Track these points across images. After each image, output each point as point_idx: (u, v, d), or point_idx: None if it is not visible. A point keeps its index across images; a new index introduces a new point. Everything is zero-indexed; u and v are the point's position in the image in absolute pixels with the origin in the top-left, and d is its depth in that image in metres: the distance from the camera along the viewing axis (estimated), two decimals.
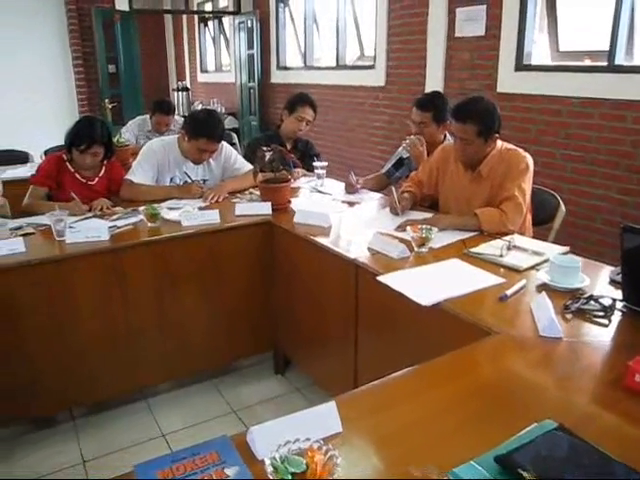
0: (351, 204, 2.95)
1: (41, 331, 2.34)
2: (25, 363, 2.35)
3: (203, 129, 2.96)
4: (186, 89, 9.19)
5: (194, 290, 2.63)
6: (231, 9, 8.49)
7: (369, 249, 2.24)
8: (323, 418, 1.17)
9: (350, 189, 3.14)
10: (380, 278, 1.95)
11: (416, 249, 2.20)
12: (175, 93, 9.15)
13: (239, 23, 8.10)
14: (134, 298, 2.50)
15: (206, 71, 10.06)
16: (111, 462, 2.44)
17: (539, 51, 4.21)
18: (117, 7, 7.01)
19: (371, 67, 5.82)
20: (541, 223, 2.78)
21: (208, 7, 9.85)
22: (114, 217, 2.69)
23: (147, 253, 2.48)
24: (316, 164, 3.37)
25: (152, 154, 3.09)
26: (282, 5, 7.38)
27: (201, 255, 2.59)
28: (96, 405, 2.74)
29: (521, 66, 4.11)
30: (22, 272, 2.24)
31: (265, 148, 2.75)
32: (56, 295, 2.33)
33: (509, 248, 2.18)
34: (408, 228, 2.24)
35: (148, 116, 4.95)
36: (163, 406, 2.81)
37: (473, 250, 2.18)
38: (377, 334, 2.17)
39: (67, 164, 2.96)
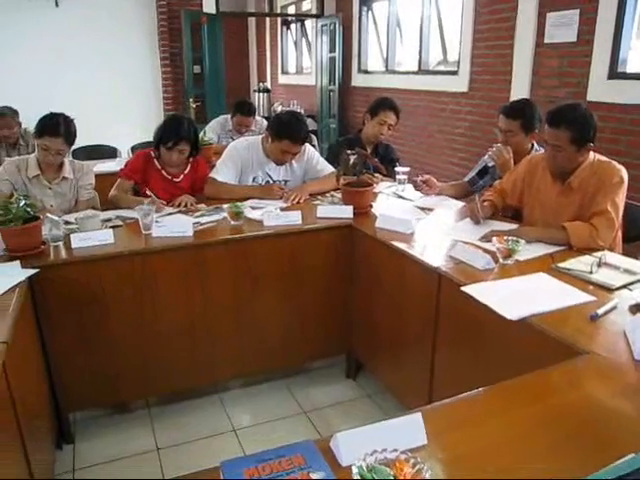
0: (431, 211, 2.89)
1: (125, 321, 2.43)
2: (109, 351, 2.45)
3: (287, 131, 2.99)
4: (267, 90, 9.34)
5: (272, 289, 2.66)
6: (314, 12, 8.57)
7: (452, 258, 2.19)
8: (408, 429, 1.15)
9: (421, 189, 3.10)
10: (465, 289, 1.91)
11: (501, 261, 2.13)
12: (256, 94, 9.32)
13: (322, 26, 8.16)
14: (214, 294, 2.54)
15: (287, 73, 10.20)
16: (184, 452, 2.50)
17: (635, 58, 4.01)
18: (205, 10, 7.19)
19: (454, 72, 5.72)
20: (632, 240, 2.64)
21: (291, 10, 9.99)
22: (198, 214, 2.76)
23: (229, 251, 2.52)
24: (398, 169, 3.33)
25: (236, 153, 3.15)
26: (365, 8, 7.38)
27: (281, 255, 2.61)
28: (171, 395, 2.82)
29: (615, 74, 3.93)
30: (110, 263, 2.33)
31: (349, 151, 2.75)
32: (140, 287, 2.41)
33: (599, 265, 2.07)
34: (494, 239, 2.18)
35: (230, 116, 5.05)
36: (235, 401, 2.85)
37: (561, 265, 2.09)
38: (456, 346, 2.11)
39: (154, 161, 3.06)
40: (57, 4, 6.50)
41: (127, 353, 2.49)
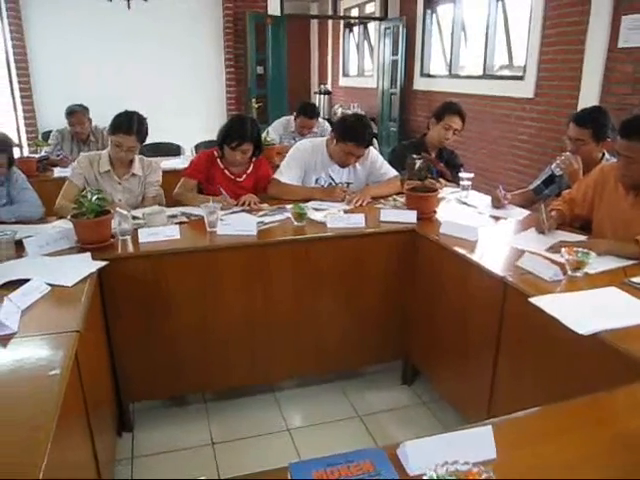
0: (497, 219, 2.83)
1: (188, 316, 2.47)
2: (171, 344, 2.50)
3: (352, 133, 2.99)
4: (328, 92, 9.37)
5: (332, 292, 2.66)
6: (378, 15, 8.55)
7: (518, 267, 2.14)
8: (478, 442, 1.12)
9: (497, 204, 3.01)
10: (533, 300, 1.85)
11: (570, 273, 2.06)
12: (317, 96, 9.36)
13: (385, 29, 8.13)
14: (275, 294, 2.56)
15: (348, 75, 10.21)
16: (238, 448, 2.53)
17: None
18: (269, 12, 7.29)
19: (520, 77, 5.60)
20: None
21: (354, 12, 10.00)
22: (261, 213, 2.79)
23: (291, 251, 2.53)
24: (462, 175, 3.28)
25: (300, 155, 3.17)
26: (429, 11, 7.31)
27: (343, 258, 2.61)
28: (227, 391, 2.86)
29: None
30: (175, 258, 2.38)
31: (415, 156, 2.72)
32: (204, 283, 2.45)
33: None
34: (562, 250, 2.11)
35: (293, 117, 5.09)
36: (290, 401, 2.86)
37: (635, 280, 2.01)
38: (520, 358, 2.06)
39: (218, 160, 3.11)
40: (129, 7, 6.72)
41: (188, 347, 2.53)
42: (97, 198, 2.28)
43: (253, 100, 6.96)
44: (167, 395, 2.78)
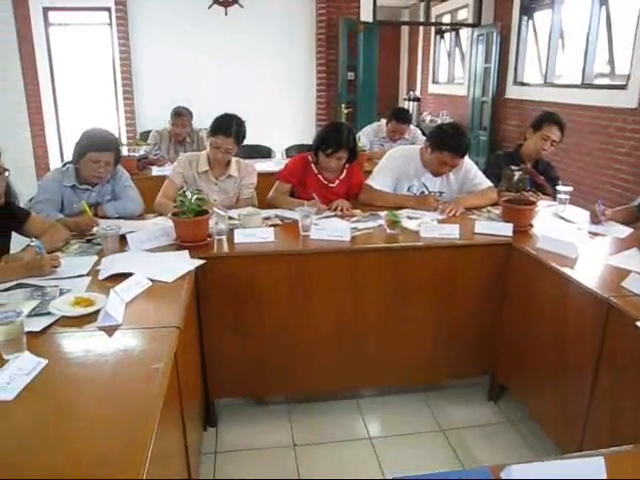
0: (595, 235, 2.70)
1: (277, 318, 2.51)
2: (259, 344, 2.55)
3: (448, 142, 2.94)
4: (417, 99, 9.27)
5: (422, 302, 2.62)
6: (471, 21, 8.38)
7: (623, 288, 2.02)
8: (587, 472, 1.06)
9: (595, 219, 2.87)
10: None
11: None
12: (406, 102, 9.29)
13: (478, 35, 7.96)
14: (364, 300, 2.55)
15: (437, 82, 10.07)
16: (319, 452, 2.53)
17: None
18: (362, 18, 7.30)
19: (622, 87, 5.32)
20: None
21: (446, 19, 9.85)
22: (354, 219, 2.79)
23: (384, 259, 2.51)
24: (560, 188, 3.14)
25: (394, 162, 3.15)
26: (526, 17, 7.08)
27: (435, 268, 2.56)
28: (310, 394, 2.87)
29: None
30: (269, 260, 2.42)
31: (514, 167, 2.64)
32: (295, 286, 2.48)
33: None
34: None
35: (384, 122, 5.07)
36: (372, 409, 2.84)
37: None
38: (623, 384, 1.94)
39: (312, 165, 3.14)
40: (226, 13, 6.93)
41: (275, 349, 2.56)
42: (197, 198, 2.35)
43: (343, 105, 7.02)
44: (251, 394, 2.83)
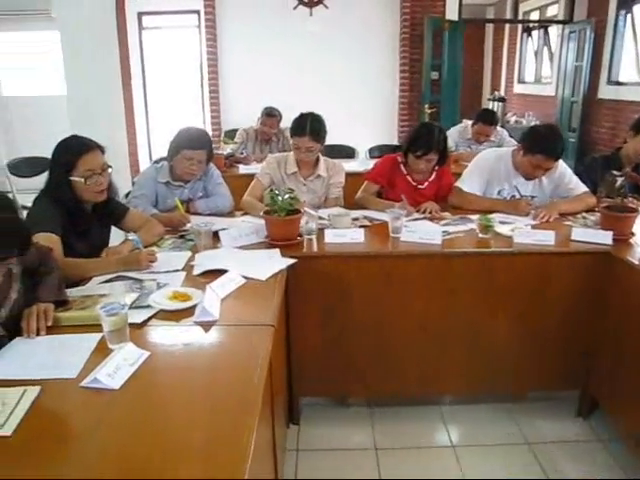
0: None
1: (365, 319, 2.50)
2: (345, 345, 2.54)
3: (542, 145, 2.82)
4: (502, 99, 9.03)
5: (511, 309, 2.53)
6: (561, 18, 8.07)
7: None
8: None
9: None
10: None
11: None
12: (490, 103, 9.06)
13: (569, 32, 7.66)
14: (453, 305, 2.50)
15: (523, 82, 9.76)
16: (401, 457, 2.50)
17: None
18: (447, 16, 7.17)
19: None
20: None
21: (534, 16, 9.53)
22: (443, 222, 2.74)
23: (474, 264, 2.45)
24: None
25: (485, 164, 3.07)
26: (623, 12, 6.71)
27: (527, 276, 2.47)
28: (392, 398, 2.84)
29: None
30: (358, 261, 2.41)
31: (615, 172, 2.51)
32: (383, 288, 2.45)
33: None
34: None
35: (469, 124, 4.96)
36: (454, 417, 2.78)
37: None
38: None
39: (401, 166, 3.11)
40: (311, 14, 6.99)
41: (360, 350, 2.56)
42: (289, 197, 2.37)
43: (426, 106, 6.93)
44: (334, 394, 2.83)
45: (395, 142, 6.67)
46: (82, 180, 2.22)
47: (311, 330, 2.49)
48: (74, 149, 2.26)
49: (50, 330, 1.67)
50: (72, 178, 2.23)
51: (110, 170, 2.35)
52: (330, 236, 2.45)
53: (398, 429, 2.68)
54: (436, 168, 3.09)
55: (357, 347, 2.55)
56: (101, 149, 2.32)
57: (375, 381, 2.64)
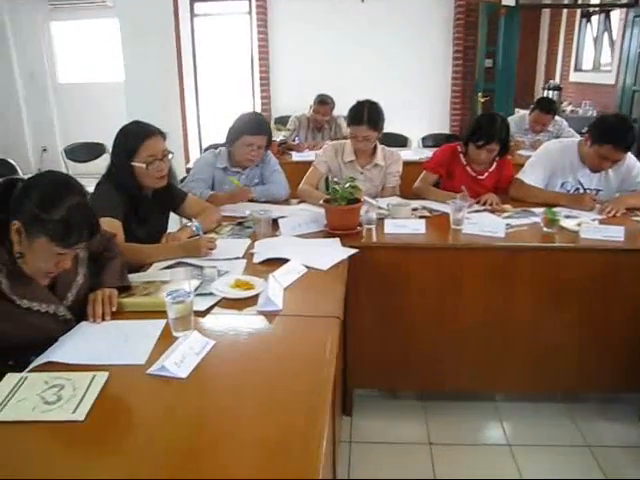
0: None
1: (423, 312, 2.46)
2: (402, 337, 2.52)
3: (612, 135, 2.71)
4: (558, 88, 8.73)
5: (575, 307, 2.44)
6: (625, 1, 7.73)
7: None
8: None
9: None
10: None
11: None
12: (544, 91, 8.78)
13: (634, 17, 7.33)
14: (515, 301, 2.43)
15: (580, 70, 9.42)
16: (456, 453, 2.46)
17: None
18: (503, 2, 6.97)
19: None
20: None
21: (595, 0, 9.17)
22: (505, 215, 2.66)
23: (538, 258, 2.37)
24: None
25: (549, 156, 2.97)
26: None
27: (594, 272, 2.37)
28: (448, 392, 2.79)
29: None
30: (419, 252, 2.37)
31: None
32: (444, 281, 2.41)
33: None
34: None
35: (526, 113, 4.83)
36: (510, 414, 2.71)
37: None
38: None
39: (460, 156, 3.04)
40: (363, 0, 6.87)
41: (417, 342, 2.52)
42: (350, 186, 2.33)
43: (479, 94, 6.77)
44: (387, 386, 2.80)
45: (446, 131, 6.56)
46: (143, 166, 2.23)
47: (368, 320, 2.46)
48: (136, 135, 2.27)
49: (114, 315, 1.68)
50: (134, 163, 2.24)
51: (171, 156, 2.36)
52: (390, 226, 2.40)
53: (452, 424, 2.63)
54: (497, 159, 3.00)
55: (414, 339, 2.51)
56: (162, 135, 2.33)
57: (430, 374, 2.61)
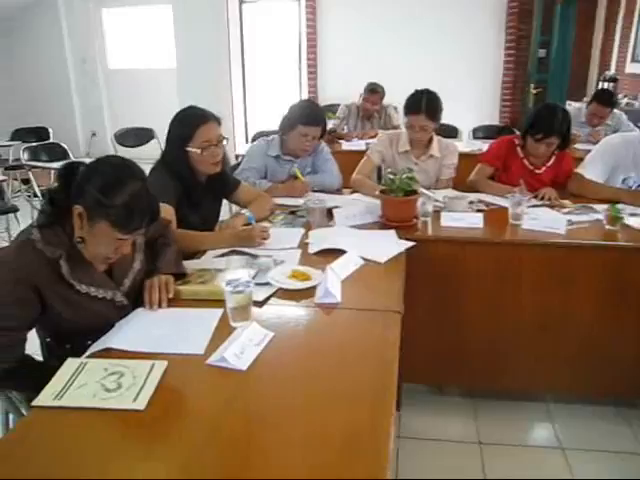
0: None
1: (479, 307, 2.41)
2: (456, 332, 2.47)
3: None
4: (614, 79, 8.43)
5: (635, 309, 2.35)
6: None
7: None
8: None
9: None
10: None
11: None
12: (600, 83, 8.50)
13: None
14: (572, 300, 2.36)
15: (637, 61, 9.08)
16: (506, 454, 2.40)
17: None
18: None
19: None
20: None
21: None
22: (565, 210, 2.57)
23: (600, 257, 2.29)
24: None
25: (611, 150, 2.85)
26: None
27: None
28: (497, 390, 2.73)
29: None
30: (477, 247, 2.32)
31: None
32: (499, 277, 2.35)
33: None
34: None
35: (584, 106, 4.68)
36: (563, 416, 2.63)
37: None
38: None
39: (518, 149, 2.95)
40: None
41: (471, 338, 2.47)
42: (407, 177, 2.28)
43: (532, 86, 6.58)
44: (437, 382, 2.76)
45: (496, 122, 6.40)
46: (198, 151, 2.22)
47: (421, 314, 2.40)
48: (192, 120, 2.26)
49: (170, 302, 1.67)
50: (188, 149, 2.23)
51: (225, 142, 2.34)
52: (447, 219, 2.36)
53: (503, 424, 2.57)
54: (555, 152, 2.90)
55: (467, 335, 2.47)
56: (218, 120, 2.31)
57: (482, 371, 2.56)
